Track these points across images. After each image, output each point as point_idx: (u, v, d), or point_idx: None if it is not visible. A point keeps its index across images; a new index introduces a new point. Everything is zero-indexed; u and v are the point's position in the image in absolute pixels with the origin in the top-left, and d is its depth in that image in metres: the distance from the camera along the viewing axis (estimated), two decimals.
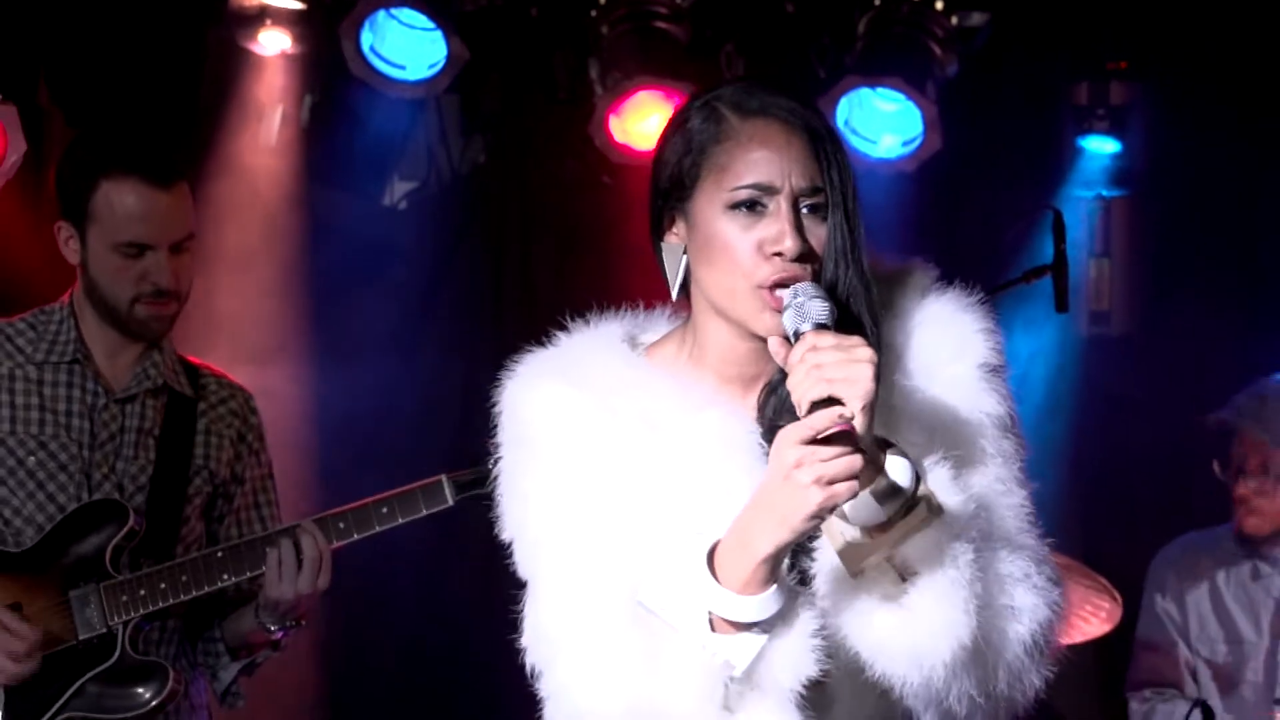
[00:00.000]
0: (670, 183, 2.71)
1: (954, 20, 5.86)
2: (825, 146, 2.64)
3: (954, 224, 6.11)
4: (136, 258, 4.12)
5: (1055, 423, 5.94)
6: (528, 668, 2.70)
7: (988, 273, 4.85)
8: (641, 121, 5.85)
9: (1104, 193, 6.18)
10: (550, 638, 2.67)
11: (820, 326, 2.53)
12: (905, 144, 5.86)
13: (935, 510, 2.53)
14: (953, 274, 2.82)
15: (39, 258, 4.34)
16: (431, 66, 5.82)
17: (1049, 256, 4.76)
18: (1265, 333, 6.14)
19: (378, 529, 4.19)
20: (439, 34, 5.75)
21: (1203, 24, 5.96)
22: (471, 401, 2.90)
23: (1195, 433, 5.69)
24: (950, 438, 2.65)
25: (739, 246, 2.62)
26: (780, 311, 2.58)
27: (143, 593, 4.08)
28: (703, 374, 2.74)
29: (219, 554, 4.12)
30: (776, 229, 2.61)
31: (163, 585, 4.08)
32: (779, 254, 2.61)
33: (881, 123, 5.88)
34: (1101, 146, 6.13)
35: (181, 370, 4.31)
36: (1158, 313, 6.19)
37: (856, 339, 2.50)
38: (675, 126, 2.74)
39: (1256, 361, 5.75)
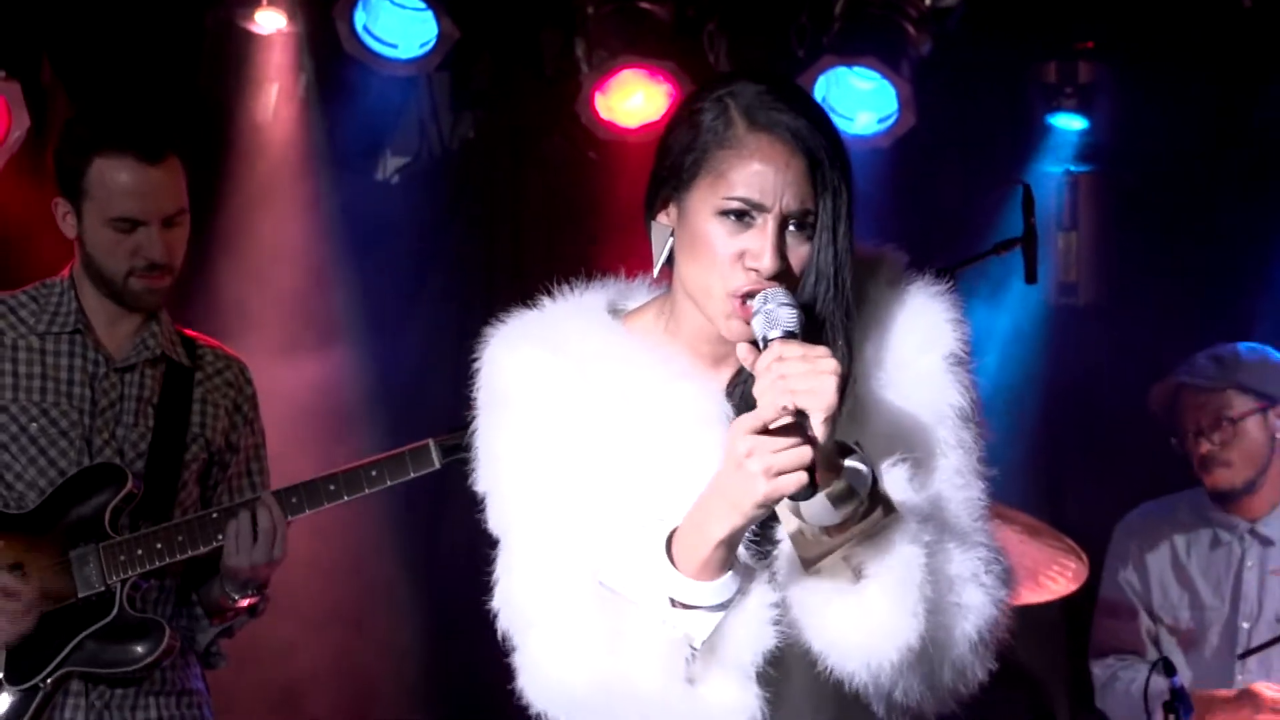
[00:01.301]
0: (670, 171, 2.70)
1: (927, 2, 5.85)
2: (823, 171, 2.61)
3: (927, 198, 6.09)
4: (129, 232, 4.12)
5: (1024, 390, 5.93)
6: (499, 634, 2.71)
7: (960, 245, 4.88)
8: (626, 99, 5.85)
9: (1072, 168, 6.18)
10: (520, 608, 2.68)
11: (789, 334, 2.53)
12: (881, 121, 5.85)
13: (890, 514, 2.54)
14: (926, 246, 2.81)
15: (43, 231, 4.34)
16: (423, 45, 5.80)
17: (1019, 230, 4.75)
18: (1225, 303, 6.14)
19: (367, 491, 4.20)
20: (430, 13, 5.74)
21: (1167, 5, 5.94)
22: (462, 372, 2.86)
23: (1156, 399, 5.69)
24: (913, 431, 2.67)
25: (720, 251, 2.62)
26: (748, 321, 2.59)
27: (140, 552, 4.09)
28: (677, 346, 2.74)
29: (213, 515, 4.14)
30: (759, 244, 2.60)
31: (159, 545, 4.10)
32: (756, 269, 2.60)
33: (858, 100, 5.87)
34: (1069, 124, 6.12)
35: (179, 341, 4.32)
36: (1123, 284, 6.19)
37: (823, 350, 2.51)
38: (686, 113, 2.72)
39: (1216, 330, 5.74)
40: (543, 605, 2.65)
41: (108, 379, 4.20)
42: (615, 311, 2.81)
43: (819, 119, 2.65)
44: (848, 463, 2.52)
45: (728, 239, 2.62)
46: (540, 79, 6.15)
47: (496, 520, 2.74)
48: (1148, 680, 4.92)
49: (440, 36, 5.73)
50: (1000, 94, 6.19)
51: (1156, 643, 5.54)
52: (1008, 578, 2.67)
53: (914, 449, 2.65)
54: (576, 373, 2.70)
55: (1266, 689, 5.22)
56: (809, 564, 2.56)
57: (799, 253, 2.62)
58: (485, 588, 2.75)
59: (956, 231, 5.51)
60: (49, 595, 4.09)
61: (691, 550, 2.54)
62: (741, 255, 2.61)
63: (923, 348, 2.70)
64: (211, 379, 4.32)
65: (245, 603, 4.18)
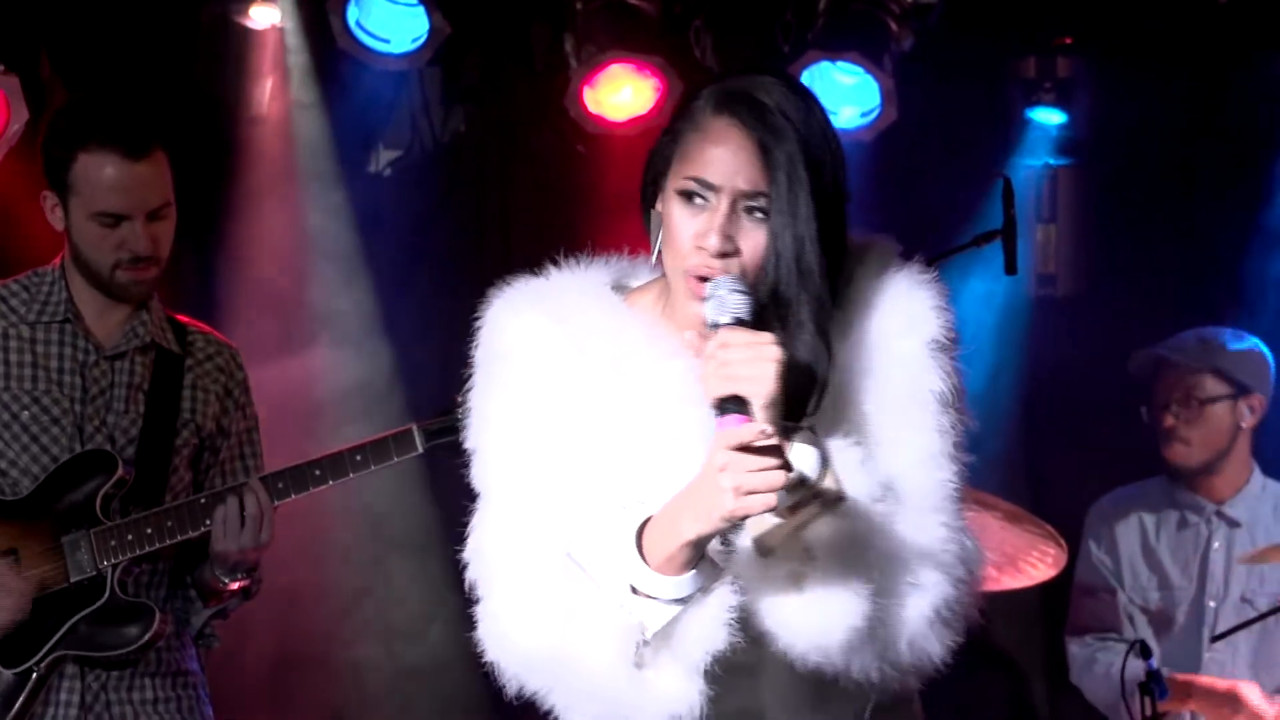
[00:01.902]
0: (658, 157, 2.72)
1: None
2: (776, 154, 2.60)
3: (909, 191, 6.09)
4: (114, 227, 4.12)
5: (1004, 379, 5.93)
6: (467, 582, 2.73)
7: (941, 237, 4.87)
8: (614, 93, 5.84)
9: (1050, 161, 6.17)
10: (488, 563, 2.70)
11: (739, 321, 2.54)
12: (864, 115, 5.85)
13: (839, 496, 2.54)
14: (908, 238, 2.79)
15: (40, 222, 4.33)
16: (414, 40, 5.79)
17: (999, 222, 4.73)
18: (1200, 294, 6.14)
19: (351, 475, 4.20)
20: (421, 9, 5.73)
21: (1144, 2, 5.93)
22: (451, 364, 2.86)
23: (1134, 387, 5.68)
24: (886, 414, 2.66)
25: (680, 231, 2.64)
26: (703, 301, 2.60)
27: (130, 537, 4.08)
28: (671, 326, 2.74)
29: (202, 500, 4.13)
30: (707, 224, 2.62)
31: (149, 530, 4.09)
32: (704, 248, 2.62)
33: (841, 95, 5.86)
34: (1048, 118, 6.12)
35: (169, 328, 4.30)
36: (1100, 275, 6.19)
37: (768, 337, 2.52)
38: (684, 104, 2.75)
39: (1192, 321, 5.75)
40: (509, 566, 2.66)
41: (98, 367, 4.19)
42: (620, 288, 2.81)
43: (793, 106, 2.64)
44: (796, 446, 2.52)
45: (687, 220, 2.64)
46: (530, 74, 6.15)
47: (479, 477, 2.75)
48: (1124, 661, 4.92)
49: (431, 32, 5.72)
50: (980, 89, 6.19)
51: (1131, 620, 5.55)
52: (970, 557, 2.66)
53: (885, 431, 2.65)
54: (573, 344, 2.71)
55: (1252, 695, 5.23)
56: (763, 548, 2.57)
57: (754, 236, 2.62)
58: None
59: (937, 223, 5.51)
60: (42, 579, 4.08)
61: (660, 543, 2.55)
62: (696, 235, 2.63)
63: (904, 332, 2.69)
64: (202, 364, 4.30)
65: (236, 586, 4.18)
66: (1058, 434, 6.26)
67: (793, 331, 2.61)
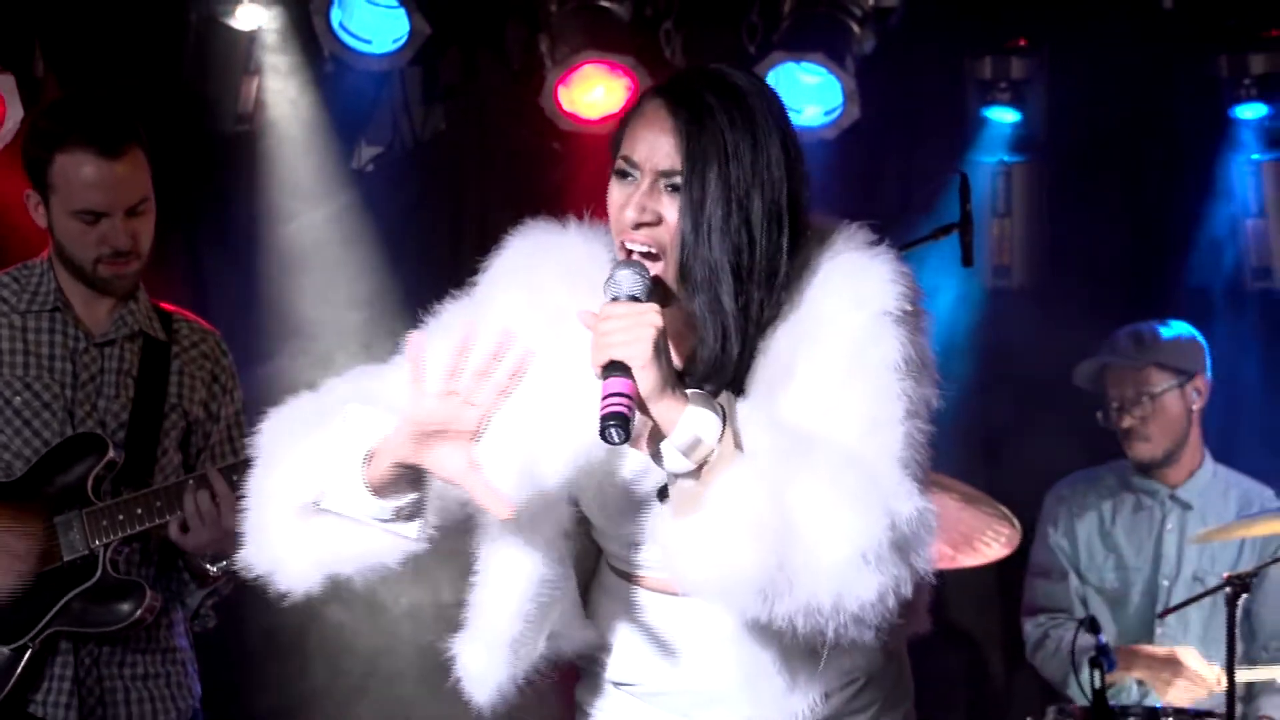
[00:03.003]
0: (611, 143, 2.77)
1: (870, 1, 5.84)
2: (693, 138, 2.66)
3: (871, 186, 6.11)
4: (93, 223, 4.13)
5: (961, 365, 5.93)
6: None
7: (901, 230, 4.86)
8: (588, 92, 5.84)
9: (1005, 158, 6.18)
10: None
11: (632, 298, 2.60)
12: (827, 114, 5.85)
13: (732, 456, 2.55)
14: (871, 231, 2.77)
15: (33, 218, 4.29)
16: (395, 41, 5.80)
17: (956, 216, 4.74)
18: (1147, 284, 6.18)
19: None
20: (402, 11, 5.75)
21: (1093, 7, 5.95)
22: None
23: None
24: (833, 380, 2.65)
25: (610, 205, 2.71)
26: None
27: (121, 517, 4.08)
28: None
29: (189, 482, 4.11)
30: (628, 198, 2.67)
31: (139, 510, 4.09)
32: (624, 219, 2.67)
33: (805, 94, 5.87)
34: (1003, 116, 6.13)
35: (156, 317, 4.31)
36: (1052, 266, 6.20)
37: (648, 307, 2.57)
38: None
39: (1140, 309, 5.77)
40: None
41: (88, 354, 4.20)
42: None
43: (721, 95, 2.69)
44: (691, 409, 2.55)
45: (616, 194, 2.71)
46: (506, 73, 6.16)
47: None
48: (1075, 637, 4.93)
49: (412, 33, 5.73)
50: (938, 88, 6.21)
51: (1084, 601, 5.58)
52: (894, 499, 2.58)
53: (829, 397, 2.63)
54: (547, 325, 2.75)
55: (1189, 658, 5.26)
56: (677, 515, 2.59)
57: (673, 210, 2.67)
58: None
59: (898, 217, 5.51)
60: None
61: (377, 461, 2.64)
62: (619, 208, 2.69)
63: (856, 304, 2.68)
64: (188, 351, 4.31)
65: (216, 570, 4.17)
66: (1012, 419, 6.27)
67: (699, 302, 2.65)
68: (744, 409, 2.60)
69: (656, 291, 2.66)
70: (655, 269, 2.67)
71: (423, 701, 5.98)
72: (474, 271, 2.86)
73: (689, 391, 2.58)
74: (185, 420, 4.26)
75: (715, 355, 2.68)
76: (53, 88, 5.59)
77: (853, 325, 2.66)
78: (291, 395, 2.92)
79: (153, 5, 5.84)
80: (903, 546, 2.56)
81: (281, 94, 5.97)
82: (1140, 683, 5.36)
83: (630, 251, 2.68)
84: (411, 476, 2.65)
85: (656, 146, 2.67)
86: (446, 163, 6.30)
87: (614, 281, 2.62)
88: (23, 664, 4.07)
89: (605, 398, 2.52)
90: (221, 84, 5.87)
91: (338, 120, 6.05)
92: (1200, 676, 5.24)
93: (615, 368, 2.53)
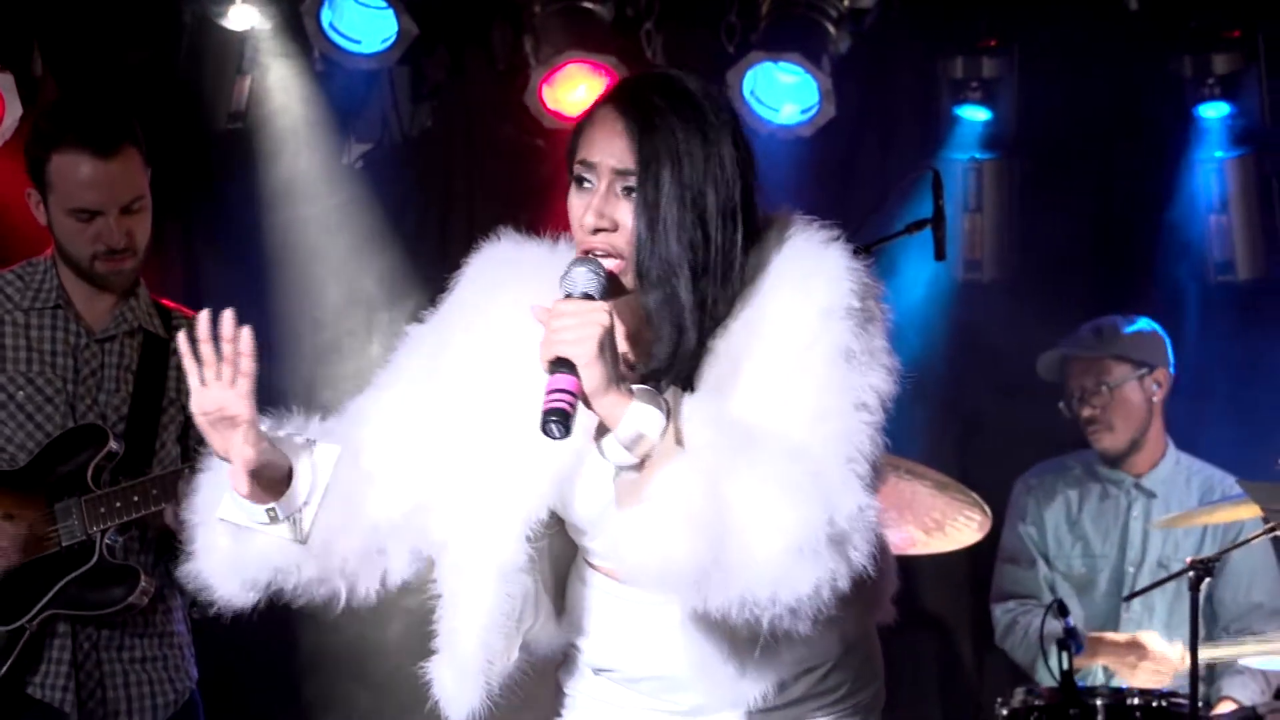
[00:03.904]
0: (567, 151, 2.76)
1: (846, 2, 5.86)
2: (644, 138, 2.63)
3: (846, 183, 6.11)
4: (89, 221, 4.14)
5: (933, 357, 5.94)
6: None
7: (875, 225, 4.86)
8: (571, 91, 5.85)
9: (976, 155, 6.19)
10: None
11: (585, 295, 2.58)
12: (804, 112, 5.85)
13: (673, 451, 2.54)
14: (844, 227, 2.76)
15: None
16: (384, 40, 5.80)
17: (929, 211, 4.75)
18: (1114, 279, 6.19)
19: None
20: (390, 11, 5.75)
21: (1062, 8, 5.96)
22: None
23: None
24: (781, 373, 2.62)
25: (573, 213, 2.70)
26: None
27: (118, 505, 4.10)
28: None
29: (185, 471, 4.11)
30: (586, 205, 2.66)
31: (135, 498, 4.10)
32: (584, 226, 2.66)
33: (782, 93, 5.87)
34: (974, 115, 6.13)
35: (155, 313, 4.32)
36: (1022, 261, 6.20)
37: (597, 305, 2.57)
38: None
39: (1107, 303, 5.79)
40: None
41: (89, 349, 4.21)
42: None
43: (673, 98, 2.68)
44: (635, 405, 2.55)
45: (576, 202, 2.70)
46: (492, 72, 6.17)
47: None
48: (1043, 621, 4.94)
49: (400, 33, 5.74)
50: (911, 87, 6.22)
51: (1052, 588, 5.59)
52: (836, 494, 2.54)
53: (778, 390, 2.61)
54: (501, 344, 2.75)
55: (1151, 641, 5.28)
56: (621, 507, 2.58)
57: (628, 212, 2.65)
58: None
59: (872, 213, 5.50)
60: (35, 543, 4.09)
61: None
62: (579, 216, 2.68)
63: (805, 300, 2.66)
64: None
65: None
66: (982, 408, 6.28)
67: (655, 299, 2.65)
68: (690, 405, 2.58)
69: (611, 289, 2.64)
70: (613, 266, 2.65)
71: (419, 675, 5.97)
72: (459, 266, 2.86)
73: (635, 388, 2.57)
74: (183, 414, 4.25)
75: (671, 351, 2.67)
76: (51, 87, 5.59)
77: (800, 321, 2.64)
78: (283, 390, 2.93)
79: (148, 6, 5.84)
80: (840, 541, 2.53)
81: (274, 92, 5.97)
82: (1105, 670, 5.38)
83: (589, 251, 2.66)
84: (267, 482, 2.73)
85: (610, 148, 2.65)
86: (434, 158, 6.30)
87: (568, 278, 2.61)
88: (20, 645, 4.09)
89: (549, 393, 2.53)
90: (215, 83, 5.89)
91: (329, 118, 6.05)
92: (1164, 658, 5.26)
93: (561, 364, 2.53)
